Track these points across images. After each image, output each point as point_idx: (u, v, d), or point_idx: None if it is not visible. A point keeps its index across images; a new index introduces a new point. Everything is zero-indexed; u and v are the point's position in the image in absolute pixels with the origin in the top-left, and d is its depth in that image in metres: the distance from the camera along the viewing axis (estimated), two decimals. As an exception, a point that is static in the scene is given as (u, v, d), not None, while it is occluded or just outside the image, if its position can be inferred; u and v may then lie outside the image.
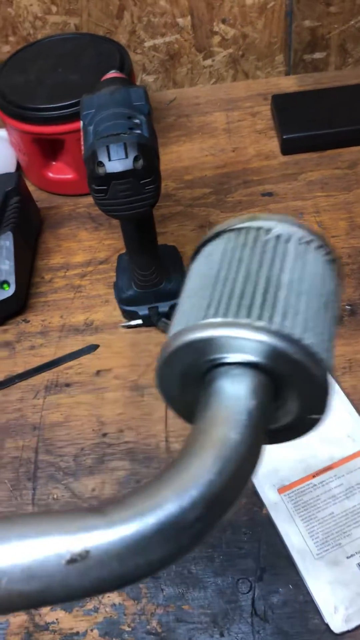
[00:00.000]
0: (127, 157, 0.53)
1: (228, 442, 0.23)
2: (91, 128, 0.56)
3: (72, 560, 0.21)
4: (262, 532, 0.55)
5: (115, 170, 0.53)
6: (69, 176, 0.81)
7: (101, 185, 0.54)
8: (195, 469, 0.22)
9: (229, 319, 0.24)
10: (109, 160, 0.53)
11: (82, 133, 0.58)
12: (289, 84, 0.94)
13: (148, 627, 0.52)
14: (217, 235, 0.30)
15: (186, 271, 0.70)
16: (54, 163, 0.81)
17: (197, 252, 0.31)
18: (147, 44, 0.95)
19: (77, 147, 0.78)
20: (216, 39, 0.95)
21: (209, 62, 0.98)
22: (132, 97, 0.57)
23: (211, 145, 0.87)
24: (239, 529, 0.56)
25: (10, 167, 0.85)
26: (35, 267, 0.77)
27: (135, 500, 0.22)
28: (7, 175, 0.74)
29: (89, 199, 0.83)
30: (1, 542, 0.21)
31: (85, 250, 0.78)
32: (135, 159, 0.53)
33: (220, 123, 0.90)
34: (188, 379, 0.27)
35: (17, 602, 0.21)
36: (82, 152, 0.57)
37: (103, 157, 0.53)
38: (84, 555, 0.21)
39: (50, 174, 0.82)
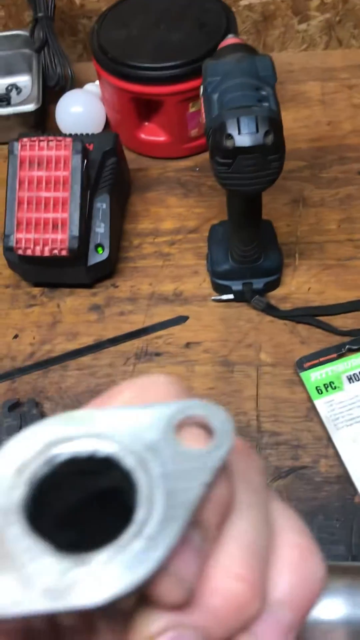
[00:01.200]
0: (257, 131, 0.51)
1: None
2: (216, 97, 0.55)
3: None
4: (355, 520, 0.56)
5: (244, 145, 0.51)
6: (161, 138, 0.79)
7: (226, 158, 0.52)
8: None
9: None
10: (239, 133, 0.51)
11: (202, 101, 0.56)
12: (386, 56, 0.90)
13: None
14: None
15: (281, 248, 0.70)
16: (146, 124, 0.79)
17: None
18: (242, 3, 0.91)
19: (175, 109, 0.76)
20: (314, 3, 0.91)
21: (303, 26, 0.94)
22: (259, 67, 0.55)
23: (305, 117, 0.84)
24: (331, 514, 0.56)
25: (99, 125, 0.83)
26: (124, 230, 0.76)
27: None
28: (105, 134, 0.73)
29: (179, 164, 0.81)
30: None
31: (174, 217, 0.77)
32: (266, 134, 0.51)
33: (315, 93, 0.87)
34: None
35: None
36: (204, 122, 0.56)
37: (233, 130, 0.51)
38: None
39: (142, 135, 0.80)
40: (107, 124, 0.85)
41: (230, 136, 0.51)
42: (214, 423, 0.18)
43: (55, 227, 0.64)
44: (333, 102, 0.86)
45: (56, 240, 0.64)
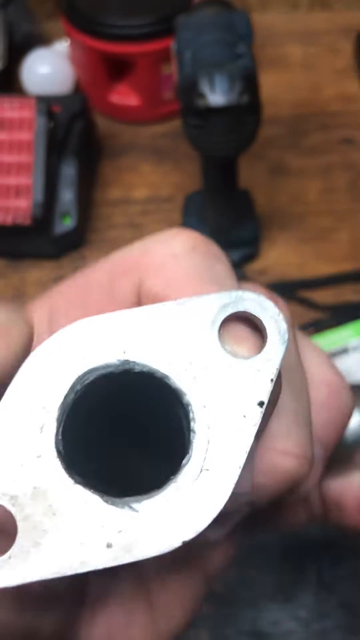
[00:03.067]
0: (232, 90, 0.48)
1: None
2: (189, 54, 0.51)
3: None
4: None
5: (217, 104, 0.48)
6: (133, 102, 0.75)
7: (199, 119, 0.49)
8: None
9: None
10: (212, 92, 0.48)
11: (175, 58, 0.53)
12: (371, 19, 0.86)
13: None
14: None
15: (258, 219, 0.66)
16: (118, 87, 0.75)
17: None
18: None
19: (148, 71, 0.72)
20: None
21: (285, -14, 0.90)
22: (235, 23, 0.51)
23: (286, 82, 0.80)
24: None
25: (68, 87, 0.78)
26: (92, 199, 0.72)
27: None
28: (73, 96, 0.69)
29: (152, 129, 0.77)
30: None
31: (147, 186, 0.73)
32: (241, 93, 0.48)
33: (296, 57, 0.83)
34: None
35: None
36: (176, 80, 0.52)
37: (205, 89, 0.48)
38: None
39: (113, 98, 0.76)
40: (77, 88, 0.80)
41: (202, 95, 0.48)
42: (267, 323, 0.15)
43: (18, 193, 0.60)
44: (315, 66, 0.82)
45: (19, 208, 0.60)
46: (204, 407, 0.15)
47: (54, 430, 0.15)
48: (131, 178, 0.74)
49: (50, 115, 0.61)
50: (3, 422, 0.15)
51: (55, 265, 0.67)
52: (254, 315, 0.15)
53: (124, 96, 0.75)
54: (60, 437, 0.15)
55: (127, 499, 0.15)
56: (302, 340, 0.20)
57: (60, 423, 0.15)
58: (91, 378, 0.15)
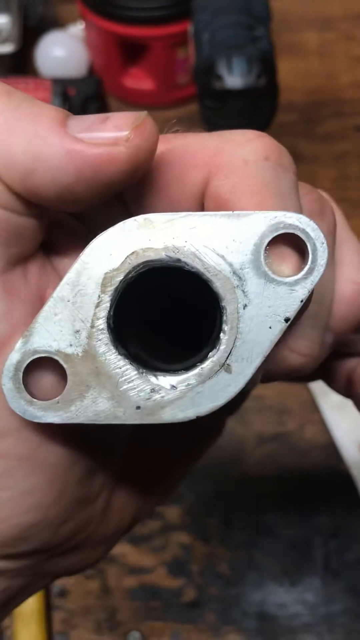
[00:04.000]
0: (250, 72, 0.47)
1: None
2: (206, 36, 0.51)
3: None
4: (340, 488, 0.54)
5: (235, 86, 0.48)
6: (148, 86, 0.75)
7: (216, 101, 0.49)
8: None
9: None
10: (230, 74, 0.47)
11: (192, 40, 0.52)
12: (388, 6, 0.85)
13: (217, 569, 0.51)
14: None
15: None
16: (132, 70, 0.75)
17: None
18: None
19: (163, 54, 0.71)
20: None
21: (302, -28, 0.89)
22: (253, 5, 0.51)
23: (301, 68, 0.80)
24: (315, 482, 0.54)
25: (82, 70, 0.78)
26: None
27: None
28: (88, 79, 0.68)
29: (167, 114, 0.77)
30: None
31: (160, 171, 0.73)
32: (259, 76, 0.47)
33: (312, 44, 0.82)
34: None
35: None
36: (193, 62, 0.52)
37: (222, 71, 0.48)
38: None
39: (128, 82, 0.75)
40: (91, 71, 0.80)
41: (220, 77, 0.48)
42: (309, 244, 0.17)
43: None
44: (331, 53, 0.81)
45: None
46: (237, 313, 0.17)
47: (108, 307, 0.17)
48: (144, 163, 0.74)
49: (65, 97, 0.61)
50: (66, 293, 0.17)
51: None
52: (299, 238, 0.17)
53: (139, 80, 0.75)
54: (111, 314, 0.17)
55: (158, 373, 0.18)
56: (344, 233, 0.22)
57: (113, 302, 0.17)
58: (145, 269, 0.17)
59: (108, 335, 0.17)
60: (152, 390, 0.18)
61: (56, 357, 0.18)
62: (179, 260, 0.17)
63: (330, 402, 0.55)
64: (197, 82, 0.50)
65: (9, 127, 0.17)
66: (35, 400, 0.18)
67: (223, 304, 0.17)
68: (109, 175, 0.17)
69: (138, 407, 0.18)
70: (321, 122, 0.75)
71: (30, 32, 0.80)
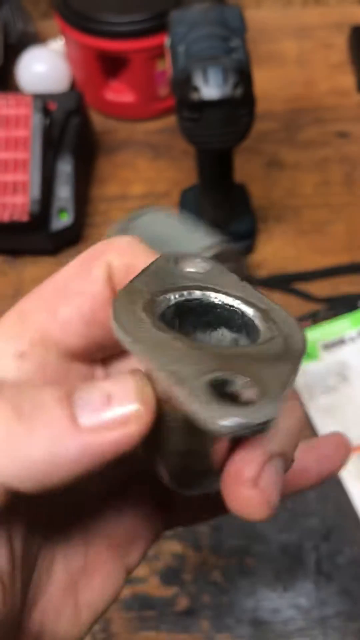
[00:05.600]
0: (225, 83, 0.48)
1: None
2: (182, 48, 0.51)
3: None
4: (330, 491, 0.54)
5: (211, 97, 0.48)
6: (129, 99, 0.76)
7: (193, 112, 0.49)
8: None
9: None
10: (206, 85, 0.48)
11: (169, 53, 0.53)
12: (365, 14, 0.86)
13: (209, 577, 0.51)
14: None
15: (254, 212, 0.67)
16: (113, 83, 0.76)
17: None
18: None
19: (142, 67, 0.72)
20: None
21: (279, -18, 0.90)
22: (228, 17, 0.52)
23: (280, 77, 0.81)
24: (305, 486, 0.54)
25: (63, 85, 0.79)
26: (89, 195, 0.72)
27: None
28: (69, 94, 0.69)
29: (148, 125, 0.78)
30: None
31: (144, 181, 0.73)
32: (235, 86, 0.48)
33: (291, 53, 0.83)
34: None
35: None
36: (170, 75, 0.52)
37: (198, 82, 0.48)
38: None
39: (109, 95, 0.76)
40: (73, 86, 0.81)
41: (196, 88, 0.48)
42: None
43: (15, 190, 0.61)
44: (310, 61, 0.82)
45: (16, 205, 0.60)
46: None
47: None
48: (127, 174, 0.74)
49: (46, 112, 0.62)
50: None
51: (53, 261, 0.67)
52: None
53: (119, 93, 0.76)
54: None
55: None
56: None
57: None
58: (181, 300, 0.21)
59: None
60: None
61: None
62: (204, 294, 0.21)
63: (318, 406, 0.56)
64: (175, 94, 0.50)
65: (24, 439, 0.17)
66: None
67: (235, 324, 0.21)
68: (121, 452, 0.18)
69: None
70: (302, 129, 0.76)
71: (11, 48, 0.81)
